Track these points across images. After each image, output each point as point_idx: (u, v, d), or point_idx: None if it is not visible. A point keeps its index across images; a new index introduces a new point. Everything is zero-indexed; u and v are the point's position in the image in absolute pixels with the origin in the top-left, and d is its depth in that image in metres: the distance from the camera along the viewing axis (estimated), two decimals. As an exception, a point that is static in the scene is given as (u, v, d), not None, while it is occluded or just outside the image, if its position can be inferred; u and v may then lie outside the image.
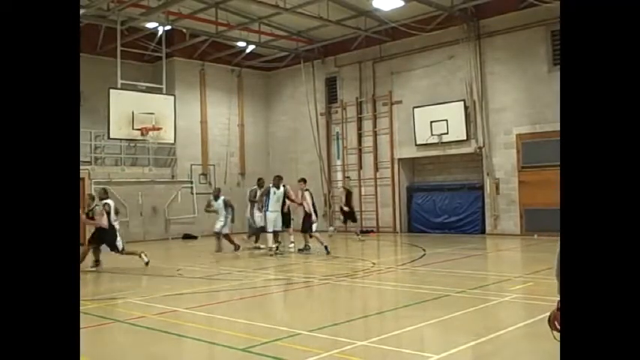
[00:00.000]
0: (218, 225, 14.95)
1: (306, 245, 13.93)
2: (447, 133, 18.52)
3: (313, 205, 14.33)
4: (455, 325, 6.56)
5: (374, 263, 12.39)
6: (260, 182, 15.69)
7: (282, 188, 14.32)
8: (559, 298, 2.24)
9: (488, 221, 18.01)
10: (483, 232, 18.09)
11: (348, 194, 17.71)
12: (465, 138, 18.33)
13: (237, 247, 14.72)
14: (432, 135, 18.78)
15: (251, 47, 20.87)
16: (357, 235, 17.67)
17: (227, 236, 14.86)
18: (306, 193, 14.20)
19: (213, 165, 22.11)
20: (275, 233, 14.56)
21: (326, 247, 13.72)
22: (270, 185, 14.43)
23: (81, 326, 2.98)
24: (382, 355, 5.39)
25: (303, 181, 14.79)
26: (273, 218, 14.21)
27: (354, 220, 18.04)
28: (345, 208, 17.45)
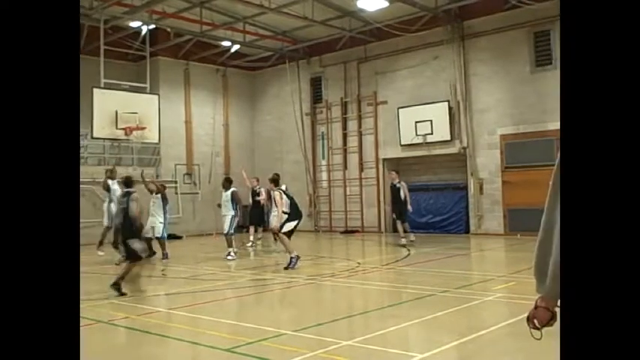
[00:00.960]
0: (158, 227, 13.21)
1: (291, 259, 11.48)
2: (432, 134, 18.61)
3: (292, 204, 12.18)
4: (439, 324, 6.61)
5: (359, 263, 12.43)
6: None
7: (229, 191, 13.80)
8: (538, 296, 2.28)
9: (473, 221, 18.14)
10: (467, 231, 18.21)
11: (394, 190, 16.12)
12: (449, 138, 18.43)
13: (166, 256, 13.29)
14: (417, 135, 18.86)
15: (236, 47, 20.83)
16: (403, 237, 15.61)
17: (162, 240, 13.39)
18: (276, 193, 12.42)
19: (198, 165, 22.02)
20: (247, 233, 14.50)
21: (291, 260, 11.37)
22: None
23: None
24: (367, 355, 5.42)
25: (272, 181, 12.81)
26: (225, 221, 13.71)
27: (402, 219, 15.96)
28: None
